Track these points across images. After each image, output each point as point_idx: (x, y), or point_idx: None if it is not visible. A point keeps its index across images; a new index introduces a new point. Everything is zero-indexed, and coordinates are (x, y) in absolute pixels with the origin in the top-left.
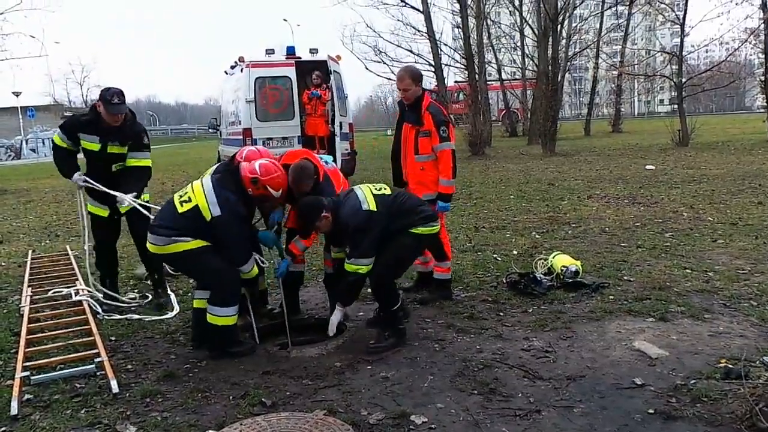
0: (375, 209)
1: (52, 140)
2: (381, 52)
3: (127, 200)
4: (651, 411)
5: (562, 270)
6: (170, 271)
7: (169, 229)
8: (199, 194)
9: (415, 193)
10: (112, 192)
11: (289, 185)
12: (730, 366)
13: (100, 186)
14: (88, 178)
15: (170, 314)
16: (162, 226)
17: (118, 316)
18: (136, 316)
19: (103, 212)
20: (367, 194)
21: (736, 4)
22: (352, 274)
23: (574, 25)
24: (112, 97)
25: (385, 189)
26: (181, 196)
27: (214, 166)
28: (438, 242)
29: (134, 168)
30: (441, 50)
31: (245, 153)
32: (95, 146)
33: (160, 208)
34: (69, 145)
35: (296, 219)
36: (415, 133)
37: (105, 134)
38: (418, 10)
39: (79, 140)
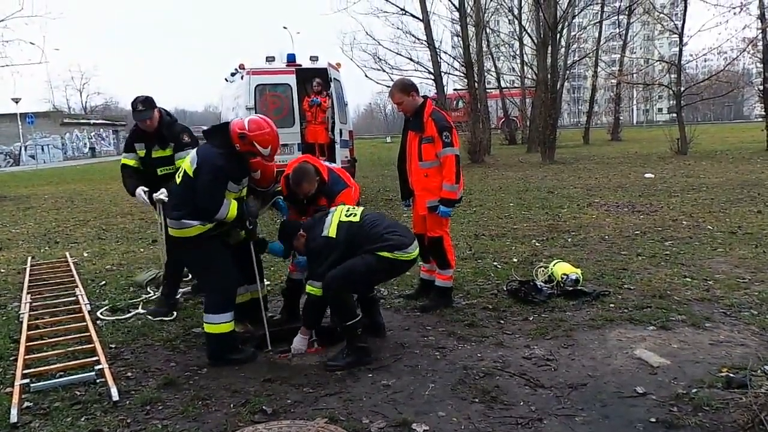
0: (333, 236)
1: (121, 164)
2: (381, 59)
3: (161, 195)
4: (653, 420)
5: (562, 278)
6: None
7: (176, 208)
8: (185, 161)
9: (420, 199)
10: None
11: (292, 189)
12: (732, 375)
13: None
14: (145, 190)
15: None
16: (172, 207)
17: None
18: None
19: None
20: (333, 220)
21: (735, 14)
22: (311, 294)
23: (573, 33)
24: (136, 105)
25: (355, 216)
26: (178, 173)
27: None
28: (441, 250)
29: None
30: (440, 58)
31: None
32: (142, 152)
33: None
34: (133, 160)
35: (279, 236)
36: (418, 139)
37: (148, 140)
38: (418, 18)
39: (136, 150)
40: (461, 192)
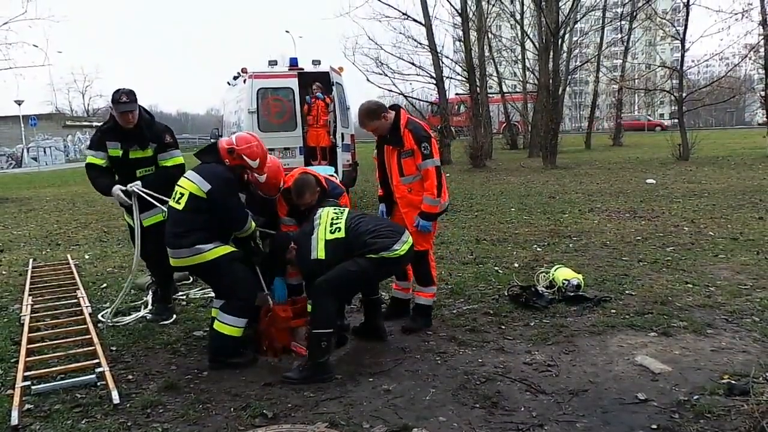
0: (323, 258)
1: (86, 164)
2: (383, 64)
3: (135, 188)
4: (654, 426)
5: (563, 283)
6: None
7: (184, 236)
8: (187, 183)
9: (407, 216)
10: (157, 200)
11: (295, 201)
12: (734, 382)
13: (146, 194)
14: (123, 189)
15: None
16: (178, 236)
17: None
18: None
19: (131, 222)
20: (320, 239)
21: (736, 20)
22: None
23: (574, 39)
24: (120, 96)
25: (339, 231)
26: (176, 199)
27: None
28: (426, 264)
29: (166, 169)
30: (442, 63)
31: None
32: (118, 152)
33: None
34: (102, 159)
35: (271, 250)
36: (397, 154)
37: (125, 139)
38: (420, 23)
39: (107, 150)
40: (445, 204)
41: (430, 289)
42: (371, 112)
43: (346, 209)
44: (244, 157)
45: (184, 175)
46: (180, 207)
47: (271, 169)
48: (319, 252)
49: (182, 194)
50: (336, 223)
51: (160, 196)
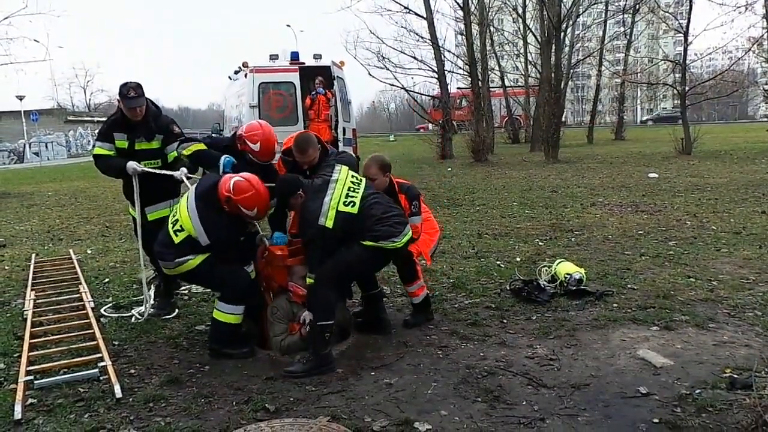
0: (330, 227)
1: (93, 155)
2: (384, 58)
3: (177, 175)
4: (656, 420)
5: (565, 277)
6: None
7: (173, 255)
8: (187, 222)
9: None
10: (167, 172)
11: (298, 159)
12: (736, 376)
13: (155, 170)
14: (141, 166)
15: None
16: (165, 254)
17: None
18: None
19: (135, 214)
20: (332, 206)
21: (740, 13)
22: (311, 286)
23: (577, 32)
24: (128, 91)
25: (353, 206)
26: (173, 224)
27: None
28: (411, 262)
29: (176, 161)
30: (444, 57)
31: (245, 127)
32: (124, 144)
33: None
34: (110, 150)
35: (277, 191)
36: None
37: (131, 131)
38: (422, 16)
39: (114, 141)
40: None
41: (417, 284)
42: (384, 165)
43: (364, 180)
44: (240, 207)
45: (188, 205)
46: (176, 240)
47: (264, 135)
48: (328, 220)
49: (182, 228)
50: (352, 196)
51: (172, 173)
